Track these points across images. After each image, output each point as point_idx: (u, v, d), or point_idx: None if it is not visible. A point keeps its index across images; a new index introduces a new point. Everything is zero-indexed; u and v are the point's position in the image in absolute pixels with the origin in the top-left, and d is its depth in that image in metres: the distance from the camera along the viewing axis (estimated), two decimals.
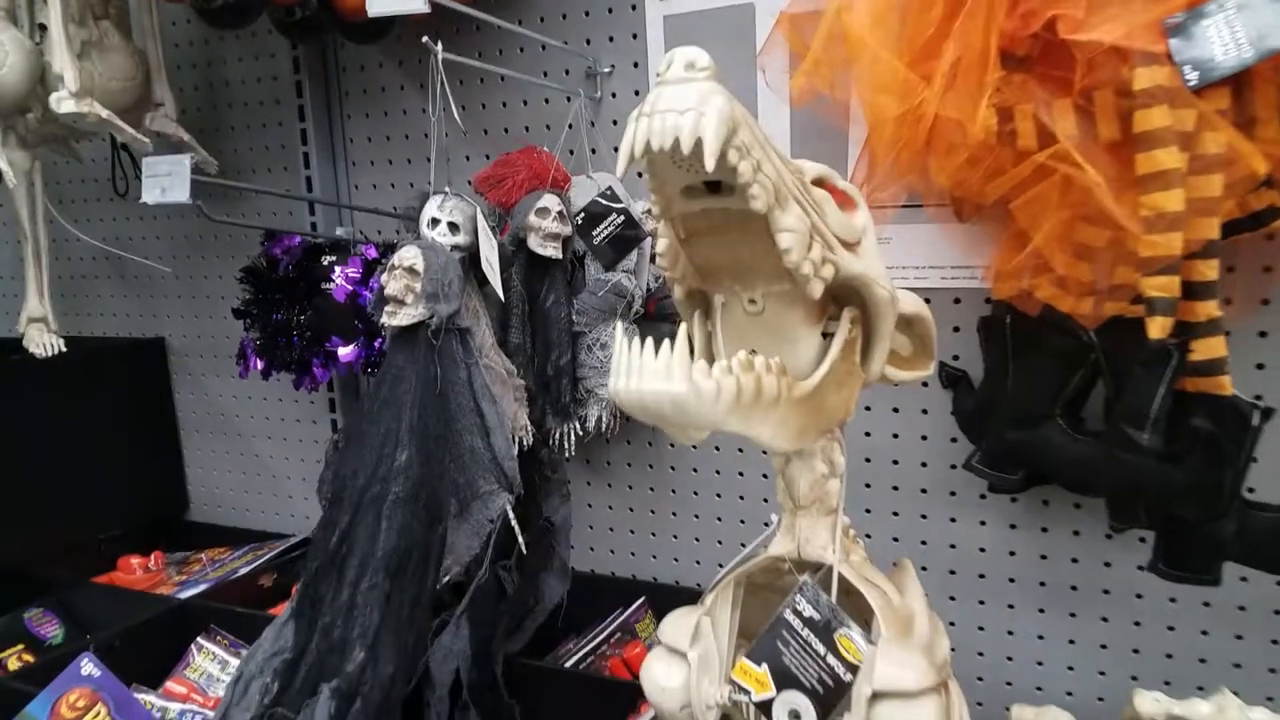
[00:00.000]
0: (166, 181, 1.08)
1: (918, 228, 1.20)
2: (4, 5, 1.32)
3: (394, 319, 1.00)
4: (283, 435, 1.81)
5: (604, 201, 1.25)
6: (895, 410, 1.29)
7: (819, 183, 0.66)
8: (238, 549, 1.75)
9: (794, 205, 0.61)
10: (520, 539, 1.02)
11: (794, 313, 0.68)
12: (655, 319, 1.32)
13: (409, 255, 1.01)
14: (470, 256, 1.09)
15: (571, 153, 1.37)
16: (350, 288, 1.30)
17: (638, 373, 0.57)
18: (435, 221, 1.08)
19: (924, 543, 1.31)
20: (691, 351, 0.58)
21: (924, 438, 1.27)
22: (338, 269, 1.30)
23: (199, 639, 1.34)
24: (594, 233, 1.26)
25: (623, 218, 1.26)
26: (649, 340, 0.57)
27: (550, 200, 1.23)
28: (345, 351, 1.31)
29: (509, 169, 1.28)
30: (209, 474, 1.91)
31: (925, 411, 1.27)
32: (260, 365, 1.42)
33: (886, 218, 1.19)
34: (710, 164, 0.54)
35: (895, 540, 1.32)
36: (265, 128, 1.65)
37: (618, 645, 1.30)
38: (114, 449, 1.77)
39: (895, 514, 1.32)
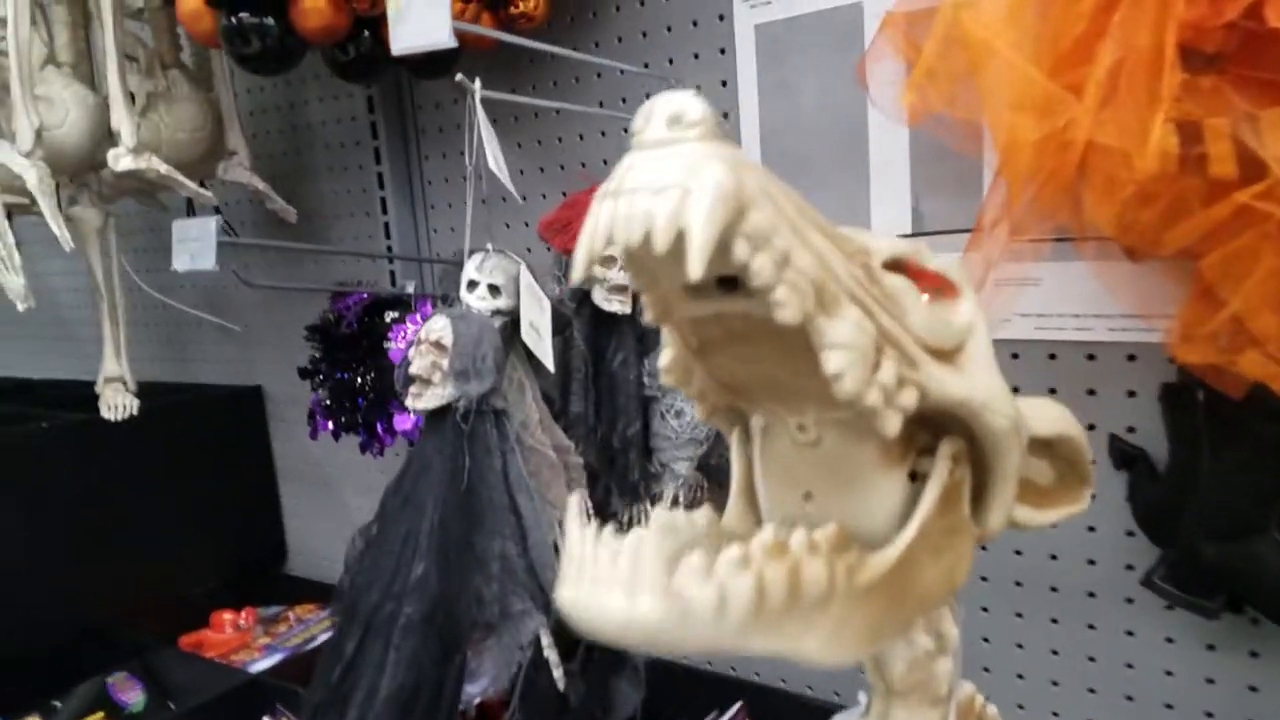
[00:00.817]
0: (195, 248, 0.98)
1: (1077, 265, 0.95)
2: (69, 60, 1.28)
3: (419, 401, 0.85)
4: (375, 489, 1.71)
5: None
6: None
7: (896, 265, 0.45)
8: (327, 607, 1.67)
9: (849, 308, 0.40)
10: (557, 673, 0.85)
11: (864, 447, 0.47)
12: None
13: (436, 327, 0.86)
14: (515, 322, 0.93)
15: None
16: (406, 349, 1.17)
17: (590, 577, 0.38)
18: (473, 284, 0.92)
19: (1092, 659, 1.05)
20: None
21: (1091, 529, 1.02)
22: (395, 328, 1.17)
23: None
24: None
25: None
26: (607, 530, 0.38)
27: (617, 247, 1.06)
28: (402, 419, 1.18)
29: (575, 211, 1.12)
30: (307, 525, 1.85)
31: (1093, 496, 1.01)
32: (328, 427, 1.31)
33: (1036, 254, 0.95)
34: (696, 270, 0.35)
35: (1054, 654, 1.07)
36: (347, 171, 1.56)
37: None
38: (212, 500, 1.72)
39: (1054, 620, 1.06)
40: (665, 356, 0.47)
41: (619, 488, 1.05)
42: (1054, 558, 1.05)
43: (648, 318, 0.44)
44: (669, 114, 0.37)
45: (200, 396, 1.80)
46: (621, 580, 0.37)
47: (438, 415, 0.86)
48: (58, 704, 1.33)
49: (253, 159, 1.44)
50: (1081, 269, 0.95)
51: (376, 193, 1.48)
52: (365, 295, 1.29)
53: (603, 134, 1.27)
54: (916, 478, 0.48)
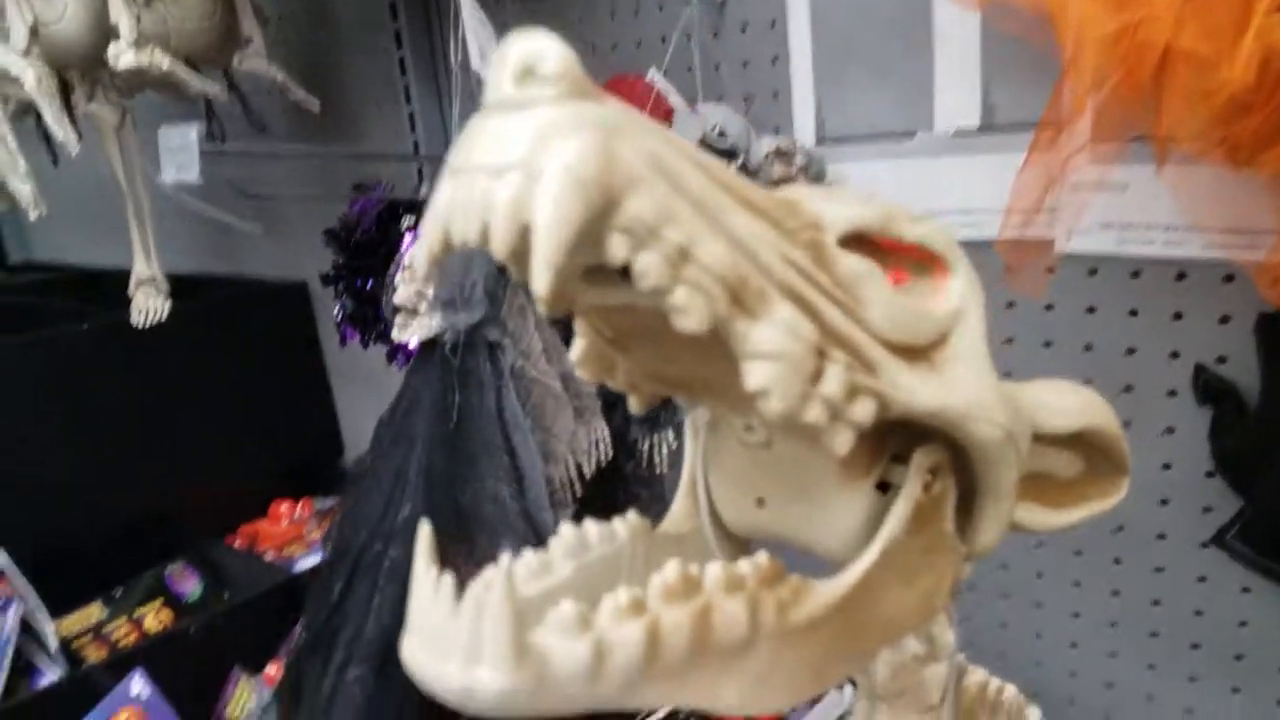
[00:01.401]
0: (180, 158, 0.91)
1: (1170, 170, 0.81)
2: None
3: (403, 333, 0.79)
4: None
5: (711, 147, 0.95)
6: (1126, 424, 0.92)
7: (860, 240, 0.35)
8: None
9: (779, 305, 0.31)
10: (617, 521, 0.79)
11: (822, 454, 0.38)
12: None
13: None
14: None
15: (690, 69, 1.07)
16: None
17: (427, 635, 0.31)
18: None
19: (1157, 603, 0.95)
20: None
21: (1166, 466, 0.91)
22: (407, 235, 1.09)
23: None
24: None
25: (735, 166, 0.95)
26: (447, 577, 0.31)
27: None
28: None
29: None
30: (362, 418, 1.84)
31: (1171, 430, 0.90)
32: (355, 337, 1.26)
33: (1122, 155, 0.81)
34: (541, 285, 0.27)
35: (1115, 595, 0.98)
36: (369, 55, 1.46)
37: None
38: (265, 394, 1.72)
39: (1117, 561, 0.97)
40: (576, 348, 0.38)
41: (636, 415, 0.97)
42: None
43: (539, 309, 0.36)
44: (517, 65, 0.28)
45: (247, 292, 1.78)
46: (459, 645, 0.30)
47: (426, 347, 0.80)
48: (119, 591, 1.37)
49: (269, 45, 1.35)
50: (1175, 174, 0.80)
51: (399, 80, 1.39)
52: (381, 196, 1.22)
53: (635, 12, 1.14)
54: (889, 488, 0.39)
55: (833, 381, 0.33)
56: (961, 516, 0.41)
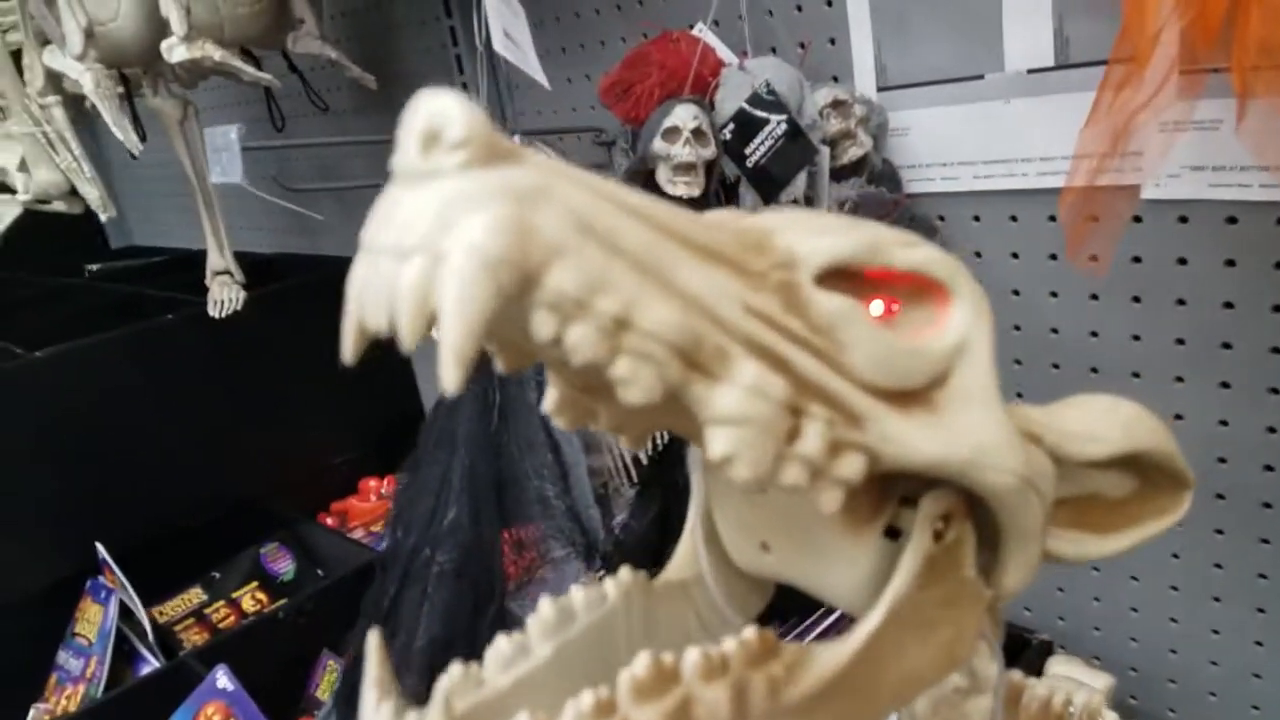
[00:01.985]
0: (224, 159, 0.91)
1: (1258, 106, 0.72)
2: None
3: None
4: None
5: (756, 110, 0.90)
6: (1224, 384, 0.85)
7: (841, 274, 0.31)
8: None
9: (742, 364, 0.28)
10: (608, 582, 0.78)
11: None
12: None
13: None
14: None
15: (740, 18, 1.01)
16: None
17: None
18: None
19: (1263, 577, 0.88)
20: None
21: (1271, 429, 0.83)
22: None
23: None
24: (747, 151, 0.91)
25: (785, 125, 0.90)
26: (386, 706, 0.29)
27: (682, 114, 0.90)
28: None
29: (639, 69, 0.96)
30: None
31: (1276, 391, 0.82)
32: None
33: (1207, 88, 0.73)
34: (450, 378, 0.24)
35: (1218, 568, 0.91)
36: (423, 25, 1.43)
37: None
38: (349, 373, 1.73)
39: (1219, 532, 0.90)
40: (549, 398, 0.35)
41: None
42: (1222, 460, 0.87)
43: (498, 367, 0.33)
44: (420, 131, 0.25)
45: (325, 273, 1.80)
46: None
47: None
48: (216, 575, 1.42)
49: (323, 25, 1.34)
50: (1267, 109, 0.71)
51: (452, 49, 1.36)
52: None
53: None
54: (898, 534, 0.35)
55: (812, 439, 0.29)
56: (986, 553, 0.37)
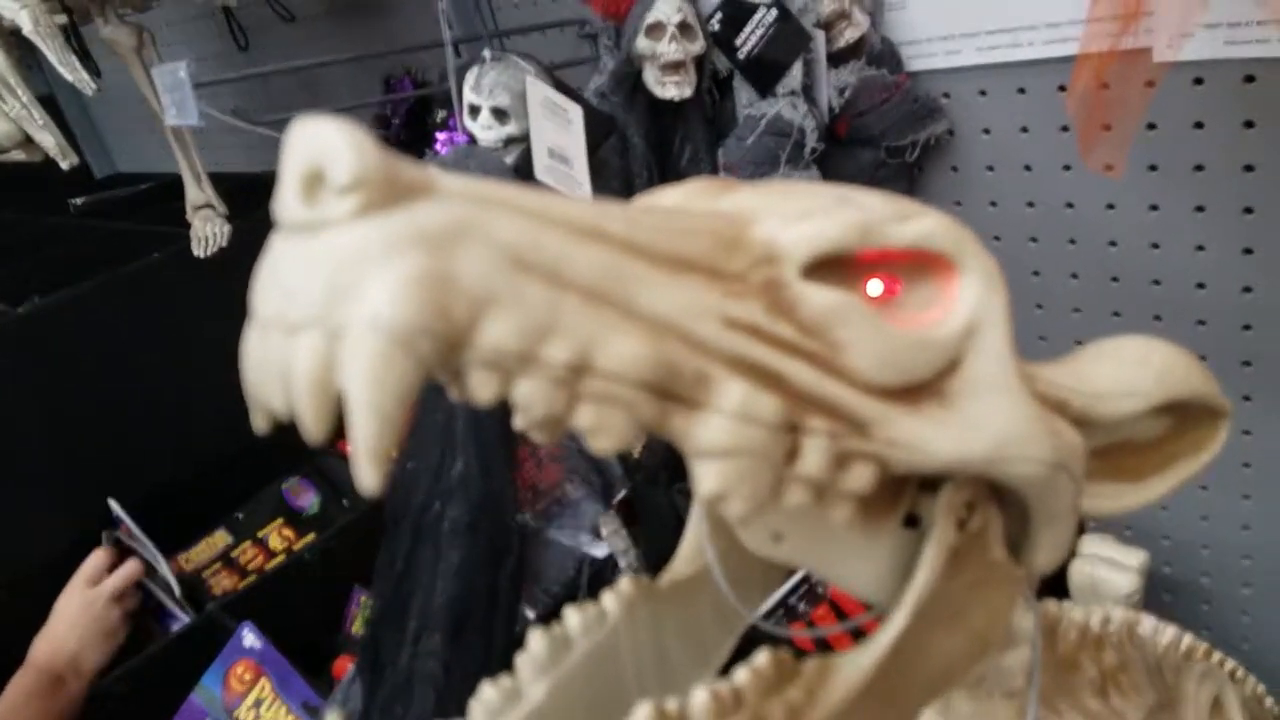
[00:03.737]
0: (177, 98, 0.85)
1: None
2: None
3: None
4: None
5: None
6: (1248, 250, 0.80)
7: (830, 264, 0.27)
8: None
9: (726, 385, 0.25)
10: (623, 561, 0.77)
11: None
12: (851, 143, 0.91)
13: None
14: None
15: None
16: None
17: None
18: (475, 110, 0.76)
19: None
20: None
21: None
22: (440, 134, 1.01)
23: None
24: (737, 42, 0.85)
25: (775, 11, 0.83)
26: None
27: (665, 8, 0.83)
28: None
29: None
30: None
31: None
32: None
33: None
34: (367, 477, 0.21)
35: (1246, 434, 0.88)
36: None
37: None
38: None
39: (1246, 399, 0.87)
40: (518, 419, 0.32)
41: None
42: (1247, 328, 0.84)
43: (451, 396, 0.29)
44: (300, 172, 0.21)
45: None
46: None
47: None
48: (240, 515, 1.42)
49: None
50: None
51: None
52: (410, 87, 1.13)
53: None
54: (918, 522, 0.32)
55: (813, 457, 0.26)
56: (1015, 527, 0.34)
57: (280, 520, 1.43)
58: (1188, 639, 0.55)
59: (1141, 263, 0.87)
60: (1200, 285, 0.85)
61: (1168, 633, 0.55)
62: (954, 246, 0.28)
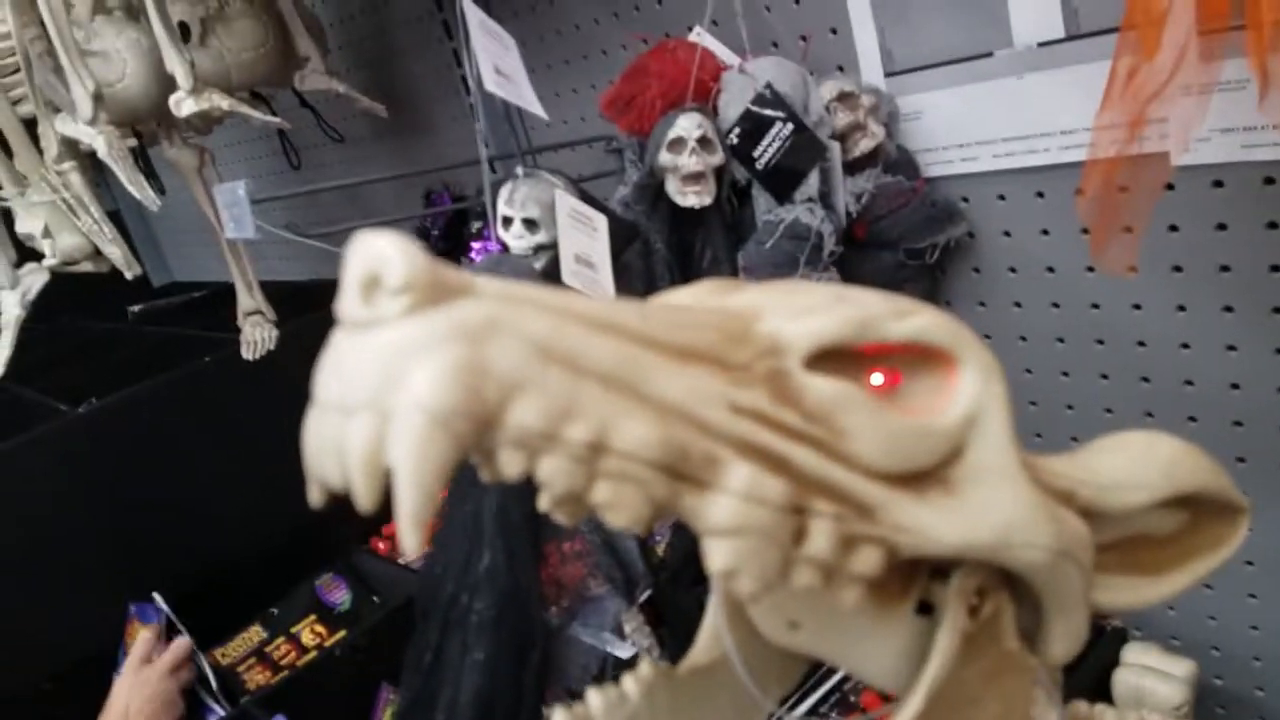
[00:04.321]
0: (235, 214, 0.91)
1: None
2: (116, 4, 1.20)
3: None
4: None
5: (761, 110, 0.87)
6: (1278, 352, 0.81)
7: (832, 356, 0.29)
8: None
9: (734, 468, 0.27)
10: (642, 648, 0.77)
11: None
12: (871, 246, 0.94)
13: None
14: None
15: (737, 16, 0.98)
16: None
17: None
18: (508, 221, 0.80)
19: None
20: None
21: None
22: (475, 244, 1.07)
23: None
24: (755, 154, 0.89)
25: (790, 125, 0.87)
26: None
27: (685, 124, 0.88)
28: None
29: (638, 82, 0.94)
30: None
31: None
32: None
33: (1230, 47, 0.69)
34: (410, 540, 0.23)
35: None
36: (427, 50, 1.42)
37: None
38: None
39: None
40: (543, 499, 0.34)
41: None
42: None
43: (483, 477, 0.32)
44: (360, 277, 0.24)
45: None
46: None
47: None
48: (275, 610, 1.43)
49: (327, 58, 1.34)
50: None
51: (457, 71, 1.35)
52: (448, 201, 1.19)
53: None
54: (931, 609, 0.34)
55: (820, 539, 0.28)
56: (1030, 618, 0.35)
57: (313, 616, 1.45)
58: None
59: (1172, 363, 0.88)
60: (1235, 386, 0.85)
61: None
62: (950, 340, 0.30)
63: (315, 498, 0.26)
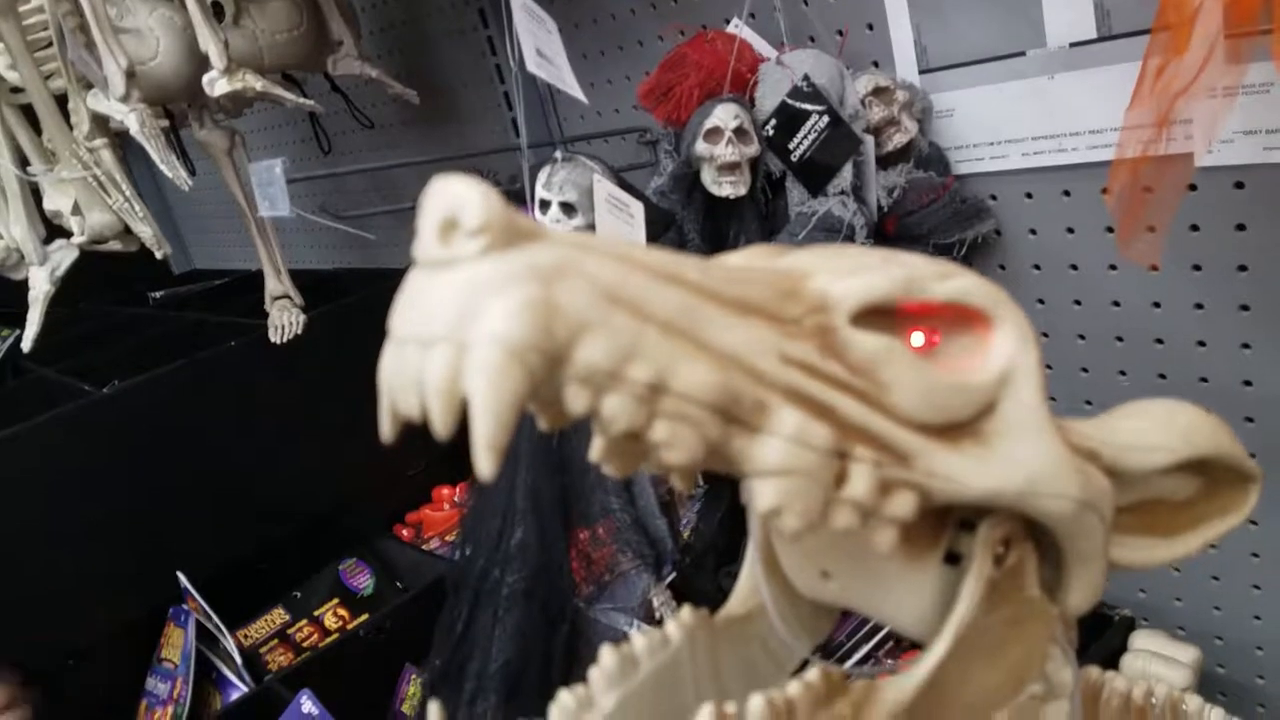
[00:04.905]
0: (270, 193, 0.93)
1: None
2: None
3: None
4: None
5: (797, 103, 0.88)
6: None
7: (878, 312, 0.31)
8: None
9: (783, 413, 0.28)
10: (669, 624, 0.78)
11: None
12: (899, 240, 0.95)
13: None
14: None
15: (776, 9, 0.99)
16: None
17: None
18: (545, 205, 0.81)
19: None
20: None
21: None
22: None
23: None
24: (790, 145, 0.90)
25: (827, 118, 0.89)
26: None
27: (722, 115, 0.89)
28: None
29: (676, 71, 0.96)
30: None
31: None
32: None
33: (1254, 50, 0.70)
34: (484, 465, 0.25)
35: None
36: (462, 35, 1.44)
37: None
38: None
39: None
40: (595, 447, 0.35)
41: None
42: None
43: (540, 425, 0.33)
44: (438, 219, 0.25)
45: (383, 285, 1.82)
46: None
47: None
48: (298, 594, 1.45)
49: (360, 42, 1.36)
50: None
51: (491, 59, 1.37)
52: None
53: None
54: (959, 559, 0.35)
55: (860, 482, 0.29)
56: (1051, 569, 0.36)
57: (336, 600, 1.47)
58: None
59: (1188, 360, 0.89)
60: (1247, 383, 0.86)
61: (1215, 714, 0.55)
62: (989, 302, 0.31)
63: (387, 431, 0.28)
